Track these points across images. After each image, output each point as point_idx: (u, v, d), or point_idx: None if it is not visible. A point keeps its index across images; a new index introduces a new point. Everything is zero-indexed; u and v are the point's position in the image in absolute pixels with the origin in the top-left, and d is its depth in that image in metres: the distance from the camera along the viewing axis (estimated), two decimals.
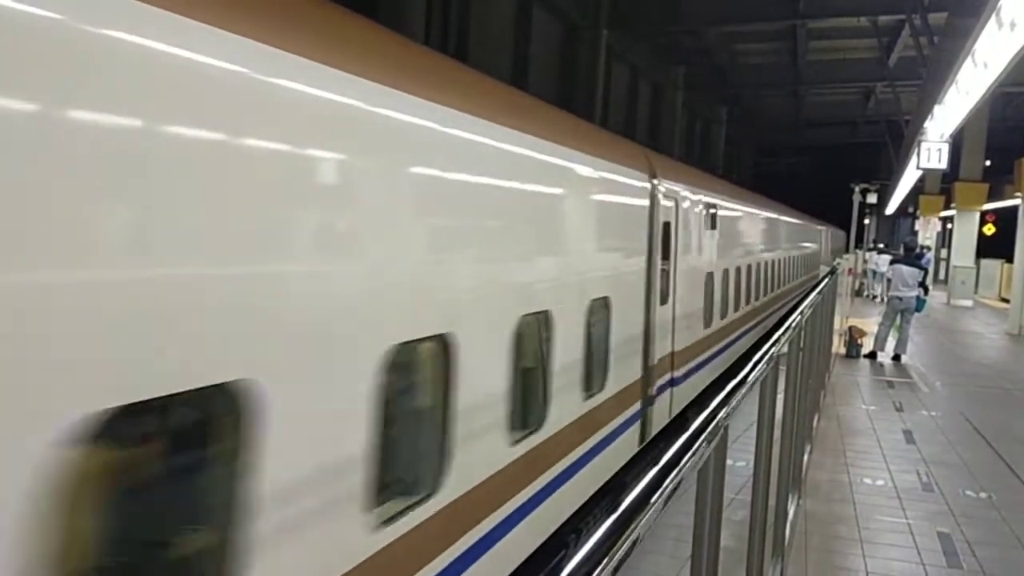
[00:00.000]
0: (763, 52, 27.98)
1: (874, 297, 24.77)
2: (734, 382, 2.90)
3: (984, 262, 28.76)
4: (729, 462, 2.56)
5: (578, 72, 19.85)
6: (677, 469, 1.89)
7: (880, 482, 6.84)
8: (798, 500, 5.93)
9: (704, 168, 17.53)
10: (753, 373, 3.21)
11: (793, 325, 5.05)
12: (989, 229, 34.19)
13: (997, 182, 28.42)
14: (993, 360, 14.79)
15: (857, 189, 35.69)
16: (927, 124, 17.94)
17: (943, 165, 19.19)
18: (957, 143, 21.11)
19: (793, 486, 5.63)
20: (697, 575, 2.33)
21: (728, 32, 24.80)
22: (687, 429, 2.16)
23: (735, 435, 2.95)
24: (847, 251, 36.47)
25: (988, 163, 28.09)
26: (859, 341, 13.77)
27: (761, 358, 3.49)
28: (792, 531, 5.37)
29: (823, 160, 51.58)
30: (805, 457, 6.73)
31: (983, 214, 29.83)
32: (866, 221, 42.83)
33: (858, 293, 25.83)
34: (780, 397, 4.35)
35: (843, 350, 13.64)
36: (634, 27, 21.30)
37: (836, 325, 12.19)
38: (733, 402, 2.62)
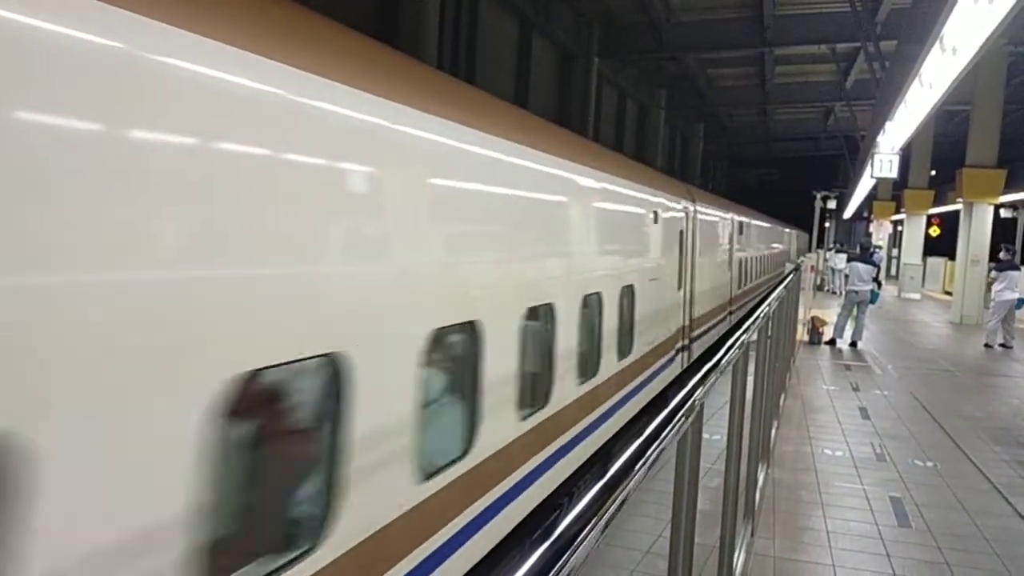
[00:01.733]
0: (735, 76, 27.85)
1: (833, 291, 24.66)
2: (709, 365, 2.89)
3: (930, 260, 28.69)
4: (705, 435, 2.56)
5: (573, 94, 19.80)
6: (659, 441, 1.88)
7: (839, 453, 6.83)
8: (766, 469, 5.92)
9: (683, 178, 17.21)
10: (726, 357, 3.19)
11: (762, 316, 5.04)
12: (934, 231, 34.05)
13: (941, 189, 28.28)
14: (938, 346, 14.73)
15: (819, 196, 35.54)
16: (880, 138, 17.84)
17: (894, 174, 19.05)
18: (906, 155, 21.00)
19: (762, 457, 5.62)
20: (677, 534, 2.32)
21: (704, 58, 24.73)
22: (667, 406, 2.15)
23: (711, 412, 2.94)
24: (809, 250, 36.39)
25: (933, 173, 27.97)
26: (820, 330, 13.72)
27: (733, 344, 3.48)
28: (761, 496, 5.36)
29: (789, 170, 51.25)
30: (772, 431, 6.72)
31: (929, 218, 29.70)
32: (827, 224, 42.66)
33: (819, 287, 25.74)
34: (750, 379, 4.35)
35: (806, 337, 13.59)
36: (622, 55, 21.24)
37: (800, 315, 12.14)
38: (708, 383, 2.61)
